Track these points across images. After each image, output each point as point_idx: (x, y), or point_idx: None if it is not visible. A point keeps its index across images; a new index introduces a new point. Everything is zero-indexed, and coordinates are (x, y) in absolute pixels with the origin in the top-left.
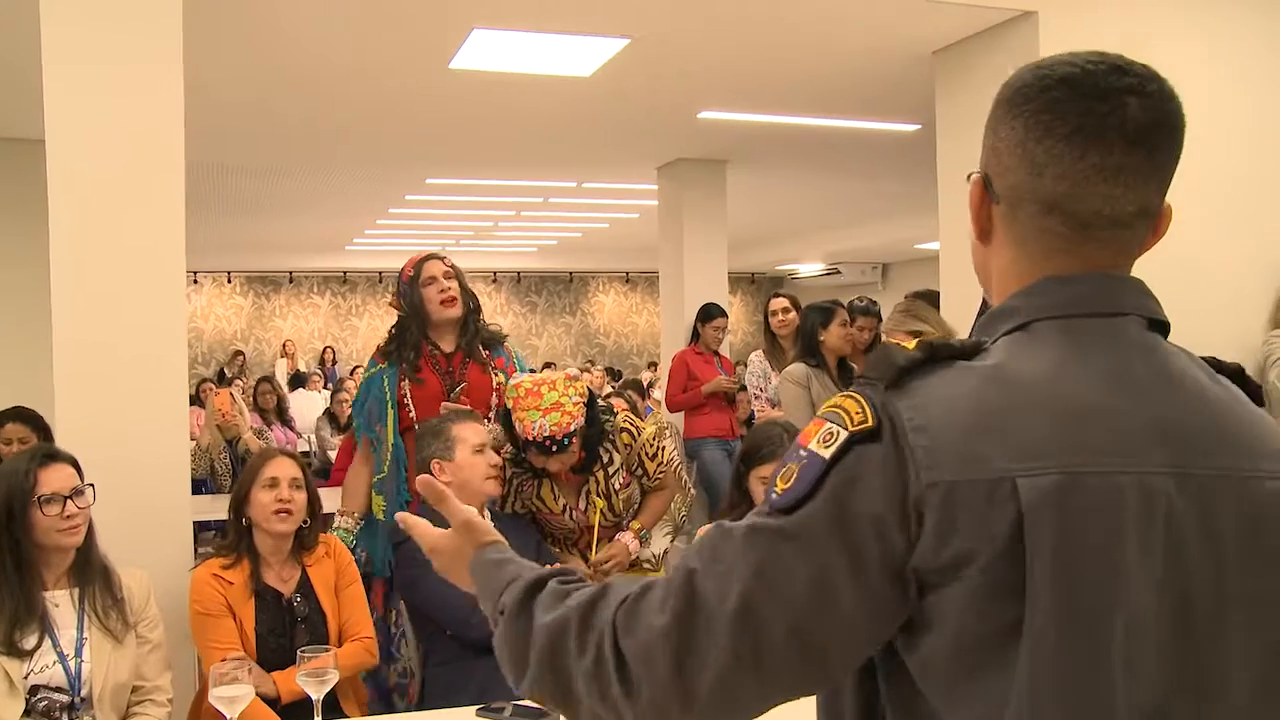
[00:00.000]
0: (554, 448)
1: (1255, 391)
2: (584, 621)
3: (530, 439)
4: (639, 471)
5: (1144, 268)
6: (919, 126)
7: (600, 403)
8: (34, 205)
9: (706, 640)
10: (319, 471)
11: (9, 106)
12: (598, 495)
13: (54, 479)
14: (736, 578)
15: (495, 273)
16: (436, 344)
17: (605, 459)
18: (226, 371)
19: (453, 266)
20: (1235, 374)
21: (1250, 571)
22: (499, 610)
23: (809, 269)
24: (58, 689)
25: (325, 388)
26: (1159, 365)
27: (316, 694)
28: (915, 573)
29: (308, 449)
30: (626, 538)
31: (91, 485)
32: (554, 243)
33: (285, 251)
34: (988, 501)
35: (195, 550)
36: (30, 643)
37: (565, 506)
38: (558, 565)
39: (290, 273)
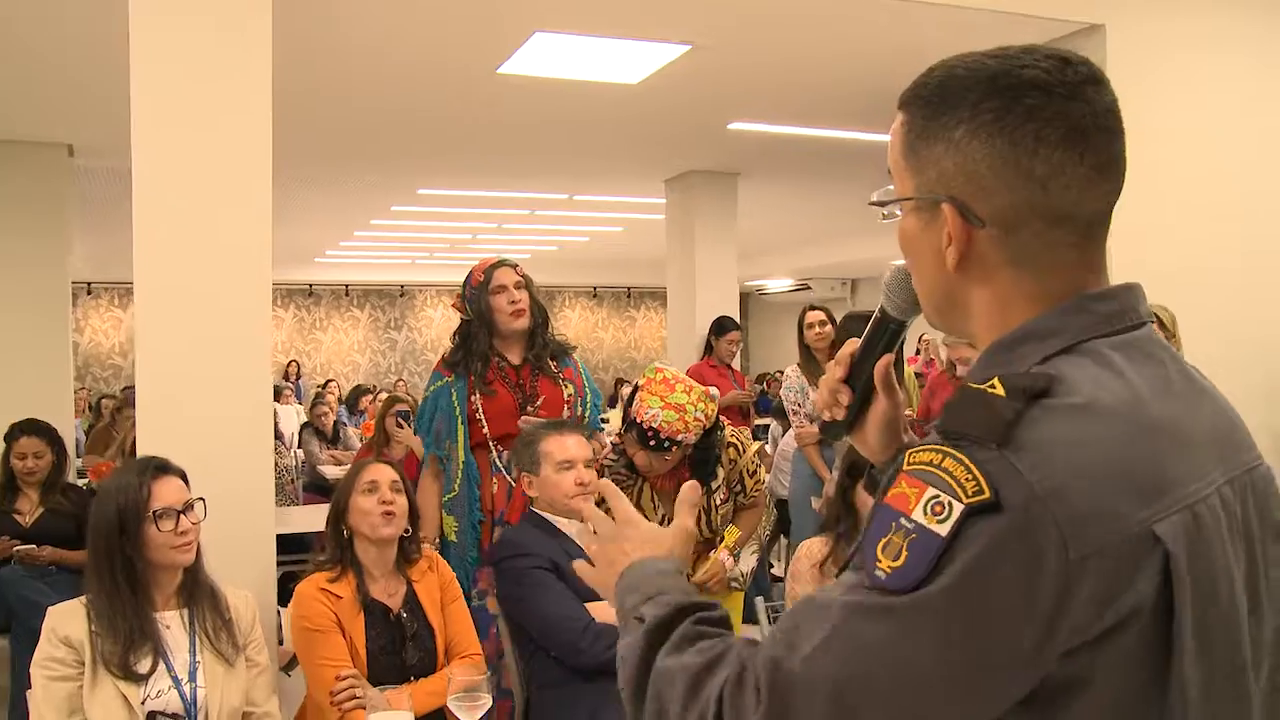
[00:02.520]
0: (653, 442)
1: None
2: (694, 687)
3: (638, 421)
4: (738, 488)
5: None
6: None
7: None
8: (54, 210)
9: None
10: (309, 486)
11: (33, 110)
12: (702, 510)
13: (166, 492)
14: (831, 666)
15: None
16: (504, 355)
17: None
18: None
19: (524, 276)
20: None
21: (1265, 544)
22: (636, 615)
23: (777, 284)
24: (174, 715)
25: (295, 401)
26: (1182, 371)
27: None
28: (1062, 647)
29: (292, 463)
30: (723, 555)
31: (202, 499)
32: (527, 257)
33: None
34: (1137, 557)
35: None
36: (145, 666)
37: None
38: (701, 598)
39: None
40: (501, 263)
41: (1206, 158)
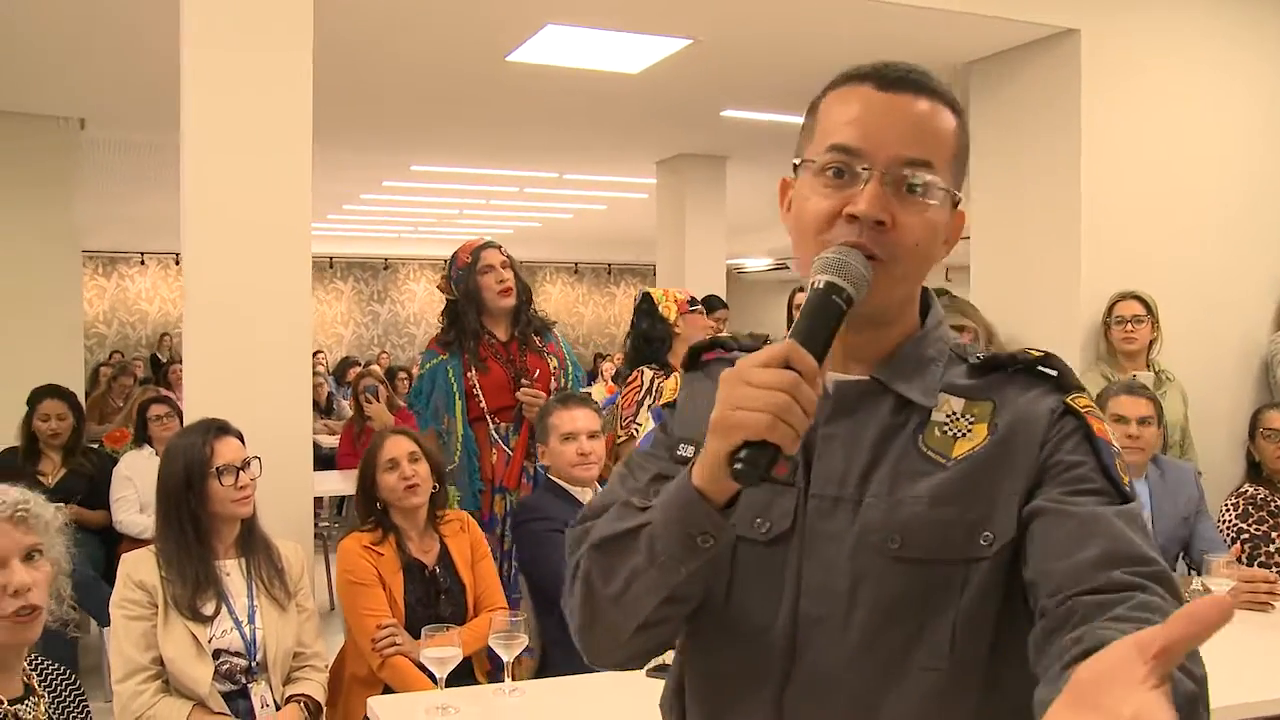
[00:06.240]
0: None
1: None
2: None
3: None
4: None
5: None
6: None
7: None
8: (66, 183)
9: None
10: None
11: (46, 83)
12: None
13: (227, 450)
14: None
15: (446, 261)
16: (492, 332)
17: None
18: (160, 357)
19: (508, 256)
20: None
21: None
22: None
23: (756, 264)
24: (237, 653)
25: None
26: None
27: (508, 656)
28: None
29: None
30: None
31: (258, 458)
32: (510, 232)
33: None
34: None
35: None
36: (210, 609)
37: None
38: None
39: None
40: (488, 244)
41: (1180, 157)
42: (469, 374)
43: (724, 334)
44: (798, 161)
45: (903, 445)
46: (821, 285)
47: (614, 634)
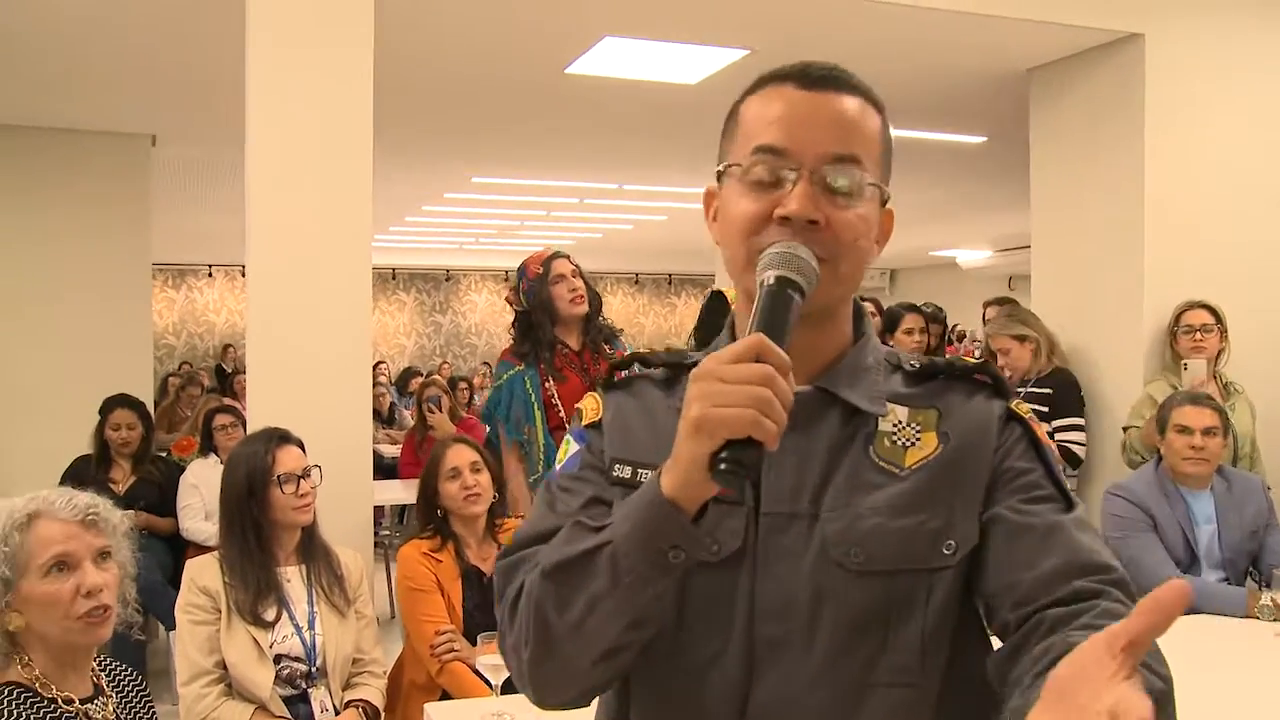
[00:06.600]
0: None
1: None
2: None
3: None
4: None
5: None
6: (985, 139)
7: None
8: (138, 198)
9: None
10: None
11: (119, 102)
12: None
13: (288, 459)
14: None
15: (507, 272)
16: (564, 341)
17: None
18: (225, 367)
19: (576, 265)
20: None
21: None
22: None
23: None
24: (297, 658)
25: None
26: None
27: None
28: None
29: None
30: None
31: (318, 466)
32: (572, 243)
33: None
34: None
35: None
36: (271, 614)
37: None
38: None
39: None
40: (556, 254)
41: (1246, 163)
42: (547, 384)
43: (643, 349)
44: (721, 168)
45: (855, 457)
46: (773, 281)
47: (570, 667)
